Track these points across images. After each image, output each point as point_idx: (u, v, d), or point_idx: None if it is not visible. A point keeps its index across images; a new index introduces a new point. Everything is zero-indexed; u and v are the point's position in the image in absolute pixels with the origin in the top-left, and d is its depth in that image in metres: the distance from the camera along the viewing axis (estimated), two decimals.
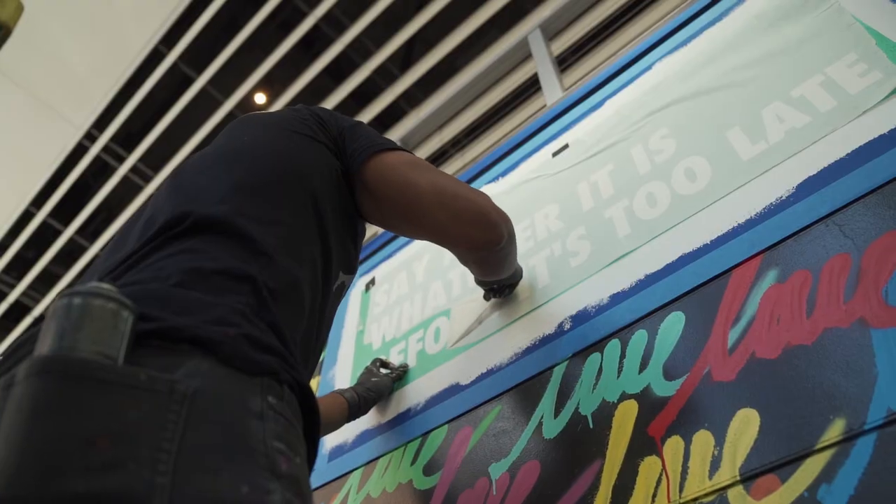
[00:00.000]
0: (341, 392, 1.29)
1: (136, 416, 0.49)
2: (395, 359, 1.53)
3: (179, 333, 0.56)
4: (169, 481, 0.47)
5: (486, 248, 1.00)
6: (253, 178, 0.79)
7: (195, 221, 0.71)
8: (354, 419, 1.31)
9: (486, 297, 1.34)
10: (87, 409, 0.47)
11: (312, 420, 0.67)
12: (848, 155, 0.97)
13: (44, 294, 14.13)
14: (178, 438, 0.49)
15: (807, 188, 0.98)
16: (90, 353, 0.49)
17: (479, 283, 1.27)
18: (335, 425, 1.26)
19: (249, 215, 0.74)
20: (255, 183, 0.79)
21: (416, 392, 1.38)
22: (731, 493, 0.75)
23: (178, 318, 0.58)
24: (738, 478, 0.76)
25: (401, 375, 1.45)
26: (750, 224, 1.01)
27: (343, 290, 0.94)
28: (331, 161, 0.89)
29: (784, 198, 1.00)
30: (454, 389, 1.28)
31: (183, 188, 0.79)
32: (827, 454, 0.70)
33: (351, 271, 0.95)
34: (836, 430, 0.71)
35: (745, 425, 0.79)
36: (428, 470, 1.19)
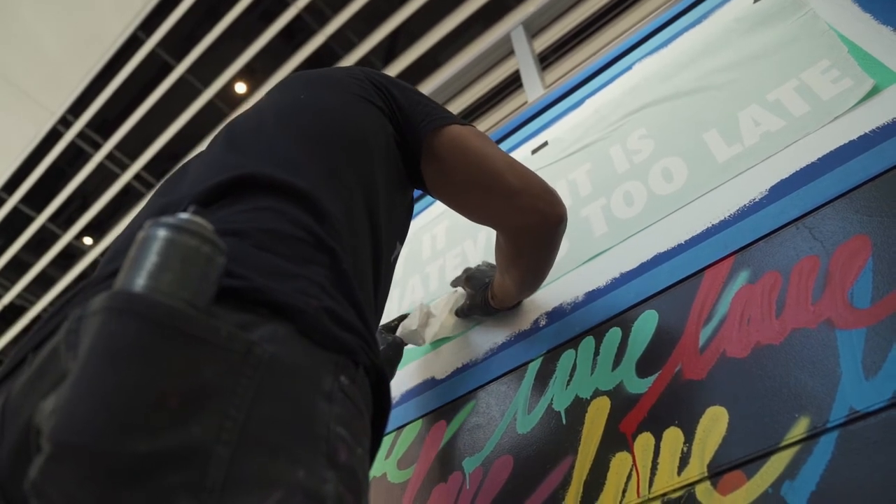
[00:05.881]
0: None
1: (210, 375, 0.45)
2: None
3: (262, 296, 0.52)
4: (229, 453, 0.44)
5: (553, 222, 0.97)
6: (314, 139, 0.76)
7: (264, 182, 0.66)
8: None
9: (460, 313, 1.30)
10: (165, 363, 0.44)
11: (382, 408, 0.63)
12: (819, 159, 0.99)
13: (13, 282, 13.86)
14: (245, 407, 0.46)
15: (779, 191, 1.00)
16: (176, 298, 0.45)
17: (484, 305, 1.24)
18: None
19: (316, 178, 0.69)
20: (316, 145, 0.75)
21: (391, 386, 1.38)
22: (699, 489, 0.77)
23: (262, 281, 0.53)
24: (706, 474, 0.77)
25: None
26: (723, 225, 1.03)
27: (396, 260, 0.92)
28: (386, 127, 0.86)
29: (757, 200, 1.01)
30: (429, 384, 1.29)
31: (243, 146, 0.75)
32: (791, 451, 0.72)
33: (404, 240, 0.93)
34: (800, 428, 0.73)
35: (714, 423, 0.81)
36: (402, 464, 1.19)
